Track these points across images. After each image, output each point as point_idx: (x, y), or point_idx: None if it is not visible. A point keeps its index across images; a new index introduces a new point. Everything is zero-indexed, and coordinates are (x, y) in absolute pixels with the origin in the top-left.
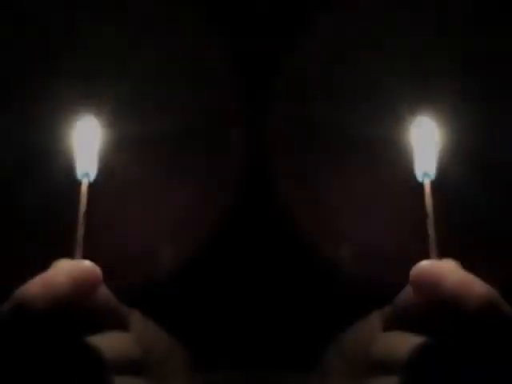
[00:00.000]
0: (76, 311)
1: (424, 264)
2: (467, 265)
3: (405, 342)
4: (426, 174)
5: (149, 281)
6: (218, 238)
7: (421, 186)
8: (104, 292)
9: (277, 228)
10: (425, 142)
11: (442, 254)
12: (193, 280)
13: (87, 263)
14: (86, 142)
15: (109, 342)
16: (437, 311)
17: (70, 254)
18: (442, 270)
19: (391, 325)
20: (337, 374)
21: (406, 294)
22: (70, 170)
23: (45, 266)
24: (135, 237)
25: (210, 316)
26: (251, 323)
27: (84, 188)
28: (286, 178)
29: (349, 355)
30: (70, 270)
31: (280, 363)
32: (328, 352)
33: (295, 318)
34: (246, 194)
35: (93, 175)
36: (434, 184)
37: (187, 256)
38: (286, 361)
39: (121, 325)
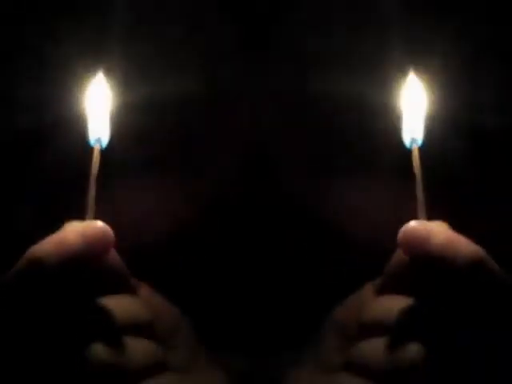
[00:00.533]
0: (88, 271)
1: (412, 223)
2: (455, 227)
3: (395, 304)
4: (413, 140)
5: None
6: (212, 218)
7: (409, 151)
8: (115, 256)
9: (273, 209)
10: (413, 109)
11: (431, 218)
12: (189, 262)
13: (99, 223)
14: (98, 107)
15: (119, 304)
16: (425, 271)
17: (81, 218)
18: (430, 228)
19: (383, 290)
20: (330, 347)
21: (397, 257)
22: (82, 135)
23: (56, 228)
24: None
25: (205, 299)
26: (249, 306)
27: (96, 153)
28: (282, 149)
29: (341, 326)
30: (82, 229)
31: (278, 344)
32: (322, 327)
33: (293, 299)
34: (246, 169)
35: (105, 141)
36: (421, 149)
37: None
38: (283, 342)
39: (130, 291)
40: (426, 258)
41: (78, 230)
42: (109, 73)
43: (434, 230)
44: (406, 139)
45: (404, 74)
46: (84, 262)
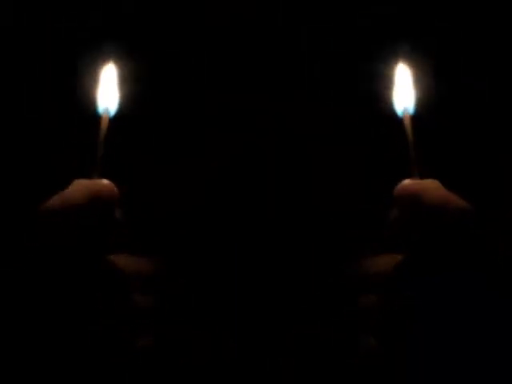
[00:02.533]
0: (95, 228)
1: (407, 181)
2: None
3: (384, 261)
4: (405, 110)
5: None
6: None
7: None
8: (120, 217)
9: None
10: (405, 80)
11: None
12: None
13: (105, 181)
14: (107, 79)
15: (125, 261)
16: (417, 227)
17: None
18: (424, 185)
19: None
20: None
21: (392, 216)
22: (92, 104)
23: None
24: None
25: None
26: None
27: (104, 120)
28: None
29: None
30: (87, 186)
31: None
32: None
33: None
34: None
35: (113, 110)
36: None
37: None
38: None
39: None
40: (418, 214)
41: (84, 187)
42: (118, 50)
43: (427, 187)
44: (399, 108)
45: (399, 49)
46: (90, 217)
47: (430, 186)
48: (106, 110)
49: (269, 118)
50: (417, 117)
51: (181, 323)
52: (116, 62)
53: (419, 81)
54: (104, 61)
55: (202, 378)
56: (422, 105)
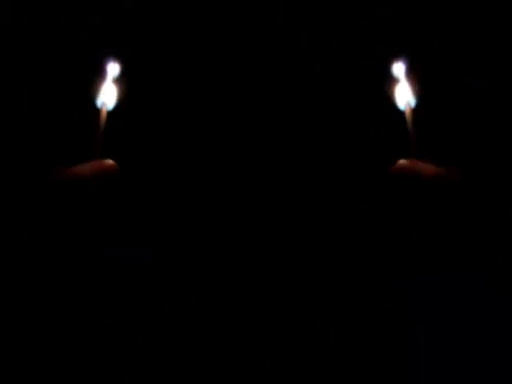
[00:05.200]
0: (101, 198)
1: (403, 160)
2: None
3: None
4: (407, 103)
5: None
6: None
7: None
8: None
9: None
10: (407, 76)
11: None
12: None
13: (108, 160)
14: (106, 76)
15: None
16: (415, 202)
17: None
18: (419, 162)
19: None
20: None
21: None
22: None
23: None
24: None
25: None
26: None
27: (103, 112)
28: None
29: None
30: (92, 163)
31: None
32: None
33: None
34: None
35: (110, 104)
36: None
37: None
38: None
39: None
40: (414, 187)
41: (90, 164)
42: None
43: (421, 163)
44: (401, 102)
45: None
46: (96, 187)
47: (424, 164)
48: (104, 103)
49: (269, 118)
50: (417, 116)
51: (181, 323)
52: (115, 62)
53: (420, 79)
54: (103, 60)
55: (202, 377)
56: (423, 104)
